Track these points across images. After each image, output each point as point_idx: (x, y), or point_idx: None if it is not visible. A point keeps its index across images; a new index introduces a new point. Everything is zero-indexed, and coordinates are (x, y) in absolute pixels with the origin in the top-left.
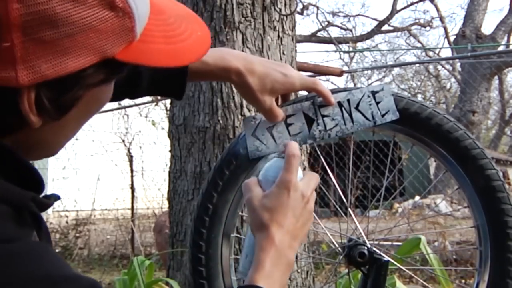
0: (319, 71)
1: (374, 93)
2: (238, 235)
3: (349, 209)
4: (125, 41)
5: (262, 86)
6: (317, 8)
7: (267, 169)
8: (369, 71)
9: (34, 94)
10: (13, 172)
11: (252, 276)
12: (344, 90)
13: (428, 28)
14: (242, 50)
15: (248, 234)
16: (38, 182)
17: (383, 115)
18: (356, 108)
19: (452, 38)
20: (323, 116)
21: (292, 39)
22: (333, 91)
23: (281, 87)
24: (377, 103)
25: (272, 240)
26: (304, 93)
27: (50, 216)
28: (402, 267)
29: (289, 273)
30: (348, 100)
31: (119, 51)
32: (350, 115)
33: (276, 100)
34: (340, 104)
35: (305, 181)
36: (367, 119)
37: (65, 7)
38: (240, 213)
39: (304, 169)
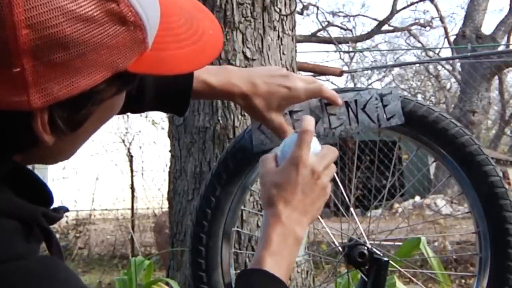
0: (319, 71)
1: (382, 95)
2: (239, 229)
3: (351, 209)
4: (137, 53)
5: (268, 105)
6: (317, 8)
7: (284, 144)
8: (369, 71)
9: (48, 115)
10: (23, 188)
11: (260, 253)
12: (353, 90)
13: (428, 28)
14: (242, 50)
15: None
16: (47, 196)
17: (388, 119)
18: (363, 109)
19: (452, 38)
20: (329, 114)
21: (292, 39)
22: (341, 90)
23: (287, 102)
24: (384, 106)
25: (279, 217)
26: None
27: None
28: (401, 270)
29: (299, 249)
30: (356, 101)
31: (131, 63)
32: (356, 116)
33: None
34: (347, 104)
35: (318, 157)
36: (372, 121)
37: (76, 27)
38: (242, 208)
39: None
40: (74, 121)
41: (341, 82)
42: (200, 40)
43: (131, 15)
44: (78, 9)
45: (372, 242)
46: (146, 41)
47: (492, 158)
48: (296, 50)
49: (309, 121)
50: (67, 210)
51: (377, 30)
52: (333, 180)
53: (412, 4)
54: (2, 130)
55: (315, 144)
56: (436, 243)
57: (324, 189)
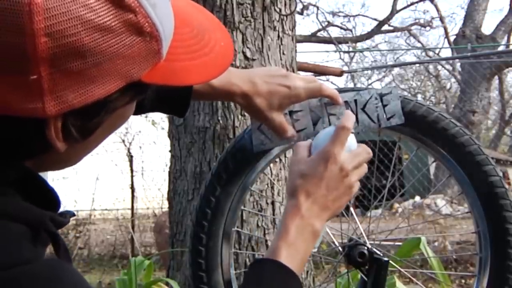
0: (319, 71)
1: (382, 95)
2: (239, 229)
3: (351, 209)
4: (151, 63)
5: (269, 105)
6: (317, 8)
7: (320, 135)
8: (369, 71)
9: (61, 122)
10: (32, 193)
11: (276, 243)
12: (352, 90)
13: (428, 28)
14: (242, 50)
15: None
16: (55, 201)
17: (388, 119)
18: (363, 109)
19: (452, 38)
20: (329, 114)
21: (292, 39)
22: (341, 90)
23: (288, 101)
24: (384, 106)
25: (299, 209)
26: None
27: None
28: (402, 269)
29: (315, 242)
30: (356, 101)
31: (145, 73)
32: (356, 116)
33: None
34: (347, 104)
35: (351, 155)
36: (372, 121)
37: (93, 37)
38: (242, 208)
39: None
40: (86, 129)
41: (341, 82)
42: (212, 52)
43: (147, 26)
44: (96, 19)
45: (372, 242)
46: (161, 52)
47: (492, 158)
48: (296, 50)
49: (349, 117)
50: (73, 214)
51: (377, 30)
52: None
53: (412, 4)
54: (15, 136)
55: (351, 141)
56: (436, 243)
57: (350, 188)
